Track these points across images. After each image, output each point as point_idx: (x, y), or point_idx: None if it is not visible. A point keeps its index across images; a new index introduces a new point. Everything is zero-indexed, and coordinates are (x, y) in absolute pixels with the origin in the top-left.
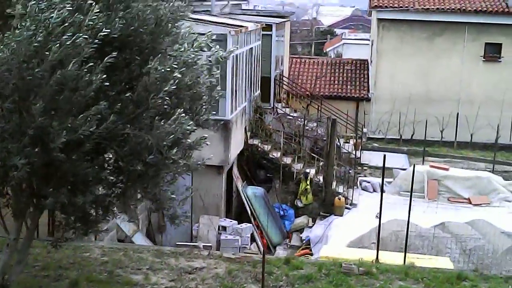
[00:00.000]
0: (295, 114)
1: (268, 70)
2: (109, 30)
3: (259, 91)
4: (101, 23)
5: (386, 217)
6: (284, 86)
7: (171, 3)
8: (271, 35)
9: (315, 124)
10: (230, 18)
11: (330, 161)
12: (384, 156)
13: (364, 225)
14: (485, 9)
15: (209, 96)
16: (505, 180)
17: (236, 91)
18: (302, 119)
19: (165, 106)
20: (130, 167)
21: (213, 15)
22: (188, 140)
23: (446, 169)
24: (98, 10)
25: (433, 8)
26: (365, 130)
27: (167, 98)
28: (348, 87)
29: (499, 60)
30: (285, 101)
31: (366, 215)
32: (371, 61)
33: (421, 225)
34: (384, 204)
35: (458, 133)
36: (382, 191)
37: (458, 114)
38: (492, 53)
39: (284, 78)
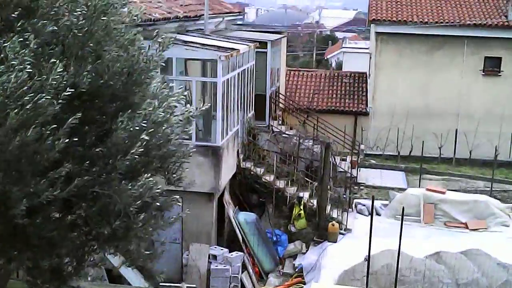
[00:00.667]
0: (291, 132)
1: (263, 87)
2: (73, 90)
3: (253, 111)
4: (65, 81)
5: (380, 246)
6: (280, 103)
7: (145, 51)
8: (266, 52)
9: (311, 142)
10: (223, 38)
11: (324, 186)
12: (373, 197)
13: (357, 253)
14: (485, 23)
15: (181, 153)
16: (503, 203)
17: (227, 115)
18: (298, 138)
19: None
20: (99, 230)
21: (206, 35)
22: (158, 203)
23: (443, 193)
24: (62, 69)
25: (431, 22)
26: (362, 146)
27: (137, 156)
28: (347, 101)
29: (499, 74)
30: (281, 118)
31: (361, 241)
32: (370, 75)
33: (415, 255)
34: (379, 229)
35: (457, 149)
36: (370, 243)
37: (456, 130)
38: (492, 67)
39: (280, 95)
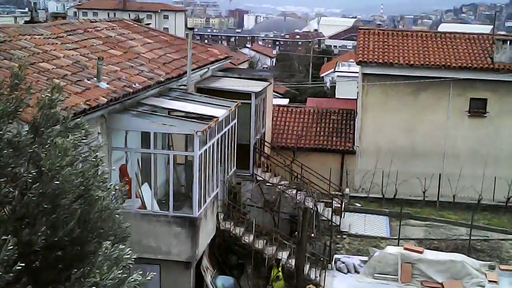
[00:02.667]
0: (274, 180)
1: (247, 137)
2: (24, 264)
3: (235, 168)
4: (16, 255)
5: None
6: (265, 152)
7: (106, 197)
8: (250, 103)
9: (294, 191)
10: (205, 97)
11: (302, 250)
12: None
13: None
14: (470, 65)
15: None
16: (483, 254)
17: (205, 183)
18: (281, 187)
19: None
20: None
21: (188, 93)
22: None
23: (421, 252)
24: (11, 246)
25: (417, 64)
26: (347, 190)
27: None
28: (334, 138)
29: (485, 115)
30: (265, 165)
31: None
32: (357, 113)
33: None
34: None
35: (441, 192)
36: None
37: (440, 175)
38: (477, 108)
39: (265, 143)
